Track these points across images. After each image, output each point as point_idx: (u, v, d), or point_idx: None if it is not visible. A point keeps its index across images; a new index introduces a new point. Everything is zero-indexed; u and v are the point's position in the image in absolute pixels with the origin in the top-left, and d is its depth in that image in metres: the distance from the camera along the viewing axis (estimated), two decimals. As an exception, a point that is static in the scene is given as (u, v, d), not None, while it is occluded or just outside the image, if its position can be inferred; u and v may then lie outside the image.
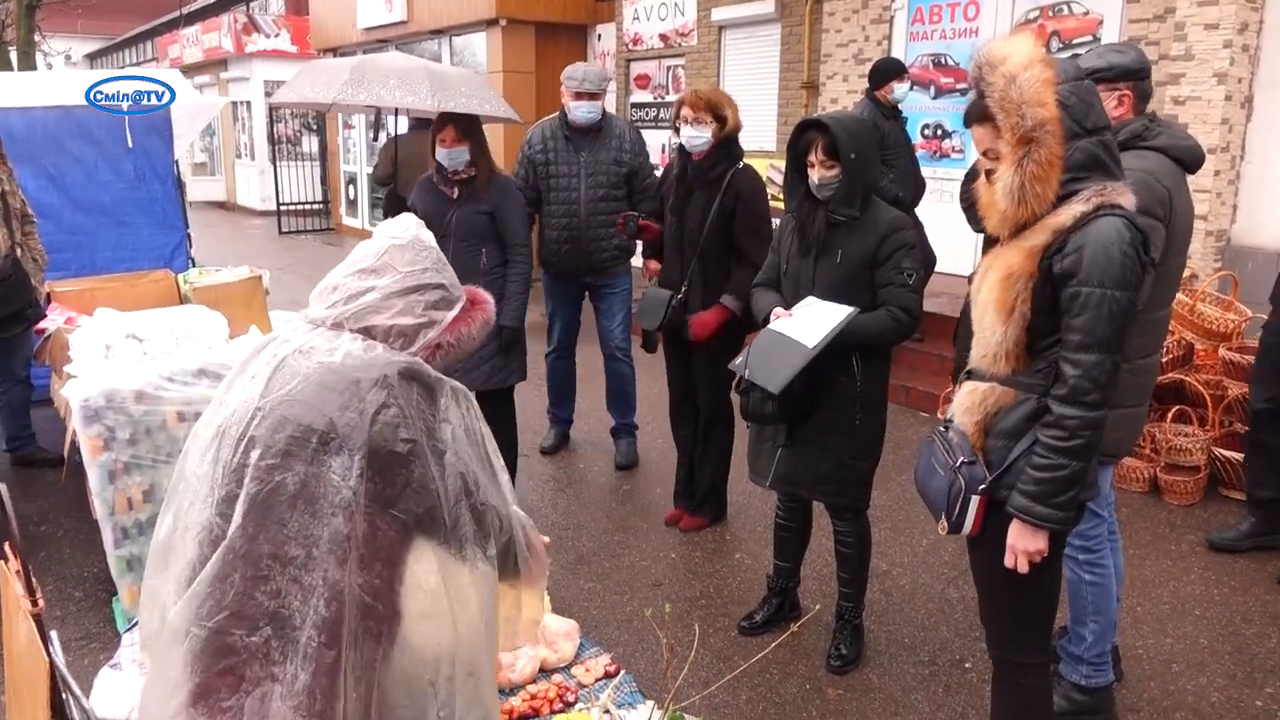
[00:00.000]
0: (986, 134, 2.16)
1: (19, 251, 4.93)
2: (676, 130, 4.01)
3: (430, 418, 1.74)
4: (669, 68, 10.59)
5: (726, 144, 3.95)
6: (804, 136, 3.12)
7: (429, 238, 1.90)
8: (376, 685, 1.73)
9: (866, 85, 6.26)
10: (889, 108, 6.16)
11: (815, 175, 3.09)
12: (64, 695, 2.19)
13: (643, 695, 3.13)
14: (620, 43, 11.13)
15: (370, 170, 15.28)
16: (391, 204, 4.12)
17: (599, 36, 11.82)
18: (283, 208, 16.49)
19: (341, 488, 1.66)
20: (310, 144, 18.25)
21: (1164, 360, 4.91)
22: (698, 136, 3.90)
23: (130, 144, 6.56)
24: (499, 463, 1.92)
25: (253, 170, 19.90)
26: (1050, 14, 7.02)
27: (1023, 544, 2.18)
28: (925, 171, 6.74)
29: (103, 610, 3.75)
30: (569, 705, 3.01)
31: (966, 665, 3.41)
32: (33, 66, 15.51)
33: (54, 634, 2.43)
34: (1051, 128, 2.05)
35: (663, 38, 10.46)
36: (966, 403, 2.26)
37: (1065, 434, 2.09)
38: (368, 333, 1.77)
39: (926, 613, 3.76)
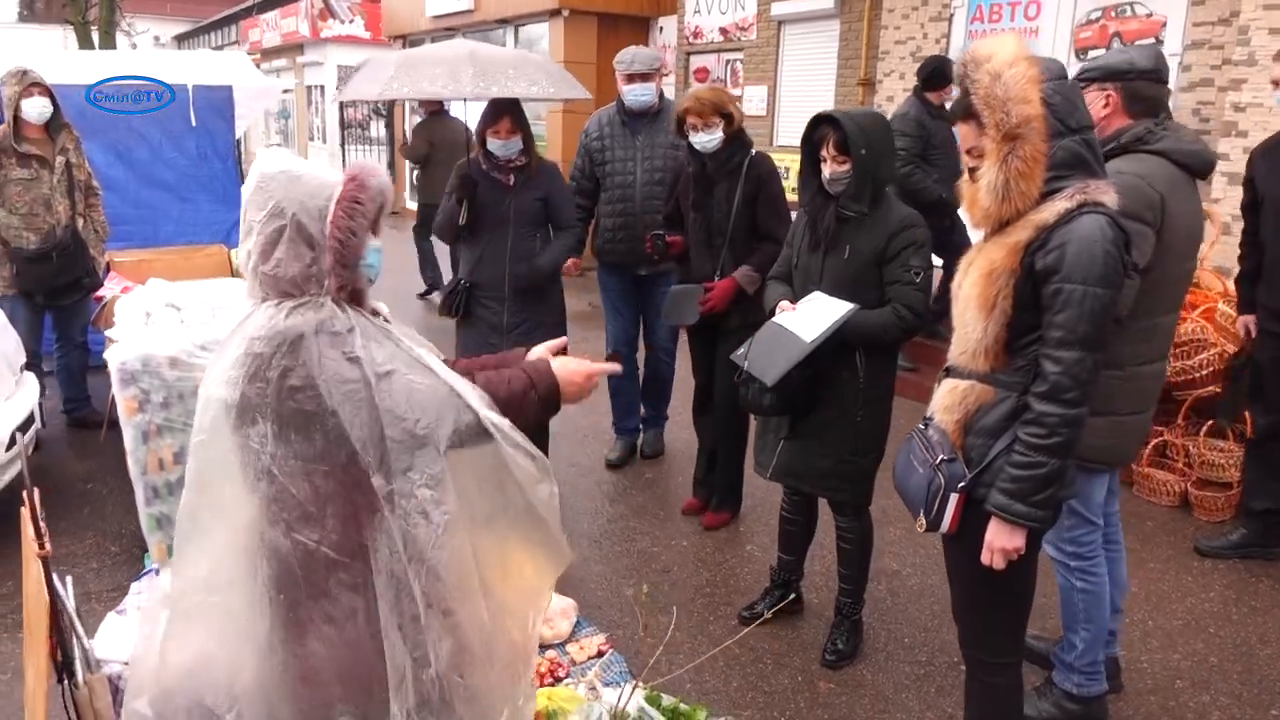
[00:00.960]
0: (971, 131, 2.18)
1: (80, 222, 5.17)
2: (684, 137, 4.03)
3: (342, 365, 1.77)
4: (728, 61, 10.59)
5: (738, 136, 4.01)
6: (817, 131, 3.13)
7: (269, 165, 1.85)
8: (365, 633, 1.83)
9: (915, 83, 6.22)
10: (936, 106, 6.11)
11: (827, 170, 3.11)
12: (68, 635, 2.34)
13: (631, 675, 3.18)
14: (681, 35, 11.15)
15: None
16: (464, 183, 4.17)
17: (660, 29, 11.87)
18: (349, 190, 16.79)
19: (261, 454, 1.77)
20: (377, 129, 18.62)
21: (1204, 373, 4.81)
22: (710, 139, 3.95)
23: (194, 123, 6.84)
24: (448, 376, 1.87)
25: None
26: (1113, 15, 6.86)
27: (1000, 542, 2.19)
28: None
29: (136, 565, 3.94)
30: (558, 680, 3.08)
31: (963, 668, 3.39)
32: (113, 46, 16.10)
33: (69, 578, 2.59)
34: (1036, 125, 2.06)
35: (723, 31, 10.46)
36: (946, 400, 2.27)
37: (1045, 431, 2.10)
38: (282, 294, 1.82)
39: (930, 614, 3.75)
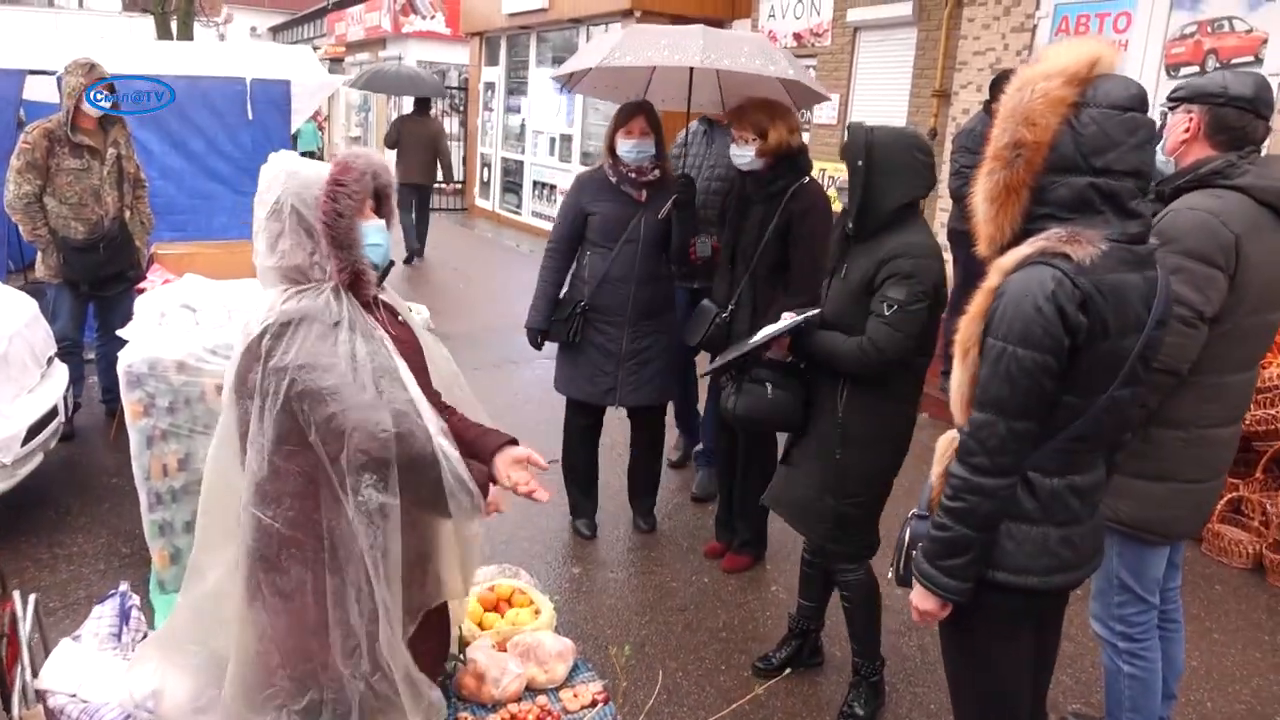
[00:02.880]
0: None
1: (127, 214, 5.16)
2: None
3: (320, 355, 1.88)
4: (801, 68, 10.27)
5: (788, 157, 3.68)
6: None
7: (273, 166, 1.99)
8: (311, 606, 1.99)
9: (986, 97, 5.87)
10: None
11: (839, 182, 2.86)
12: (10, 665, 2.22)
13: (625, 731, 2.97)
14: (754, 40, 10.87)
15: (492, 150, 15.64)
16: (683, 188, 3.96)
17: (734, 32, 11.59)
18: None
19: (248, 428, 1.93)
20: (451, 125, 18.70)
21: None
22: (742, 155, 3.67)
23: (250, 116, 6.85)
24: (415, 395, 1.99)
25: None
26: (1209, 30, 6.39)
27: (916, 600, 2.04)
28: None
29: (142, 570, 3.86)
30: (546, 730, 2.88)
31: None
32: (190, 36, 16.46)
33: (33, 597, 2.49)
34: (1029, 154, 1.82)
35: (796, 37, 10.16)
36: (939, 450, 2.03)
37: (951, 493, 1.92)
38: (291, 283, 1.96)
39: (964, 677, 3.45)
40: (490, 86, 15.91)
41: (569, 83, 4.44)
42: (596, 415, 4.28)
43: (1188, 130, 2.46)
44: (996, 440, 1.86)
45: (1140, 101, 1.84)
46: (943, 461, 2.02)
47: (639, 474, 4.45)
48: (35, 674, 2.27)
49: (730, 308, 3.81)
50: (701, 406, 5.09)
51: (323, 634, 2.03)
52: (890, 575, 2.17)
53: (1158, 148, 2.44)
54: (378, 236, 2.05)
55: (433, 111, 12.42)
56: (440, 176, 11.77)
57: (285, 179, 1.97)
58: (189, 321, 3.77)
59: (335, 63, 25.59)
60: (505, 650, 3.15)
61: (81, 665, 2.30)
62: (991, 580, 1.97)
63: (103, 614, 2.50)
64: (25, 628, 2.34)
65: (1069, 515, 1.96)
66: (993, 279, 1.90)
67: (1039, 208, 1.87)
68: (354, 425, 1.88)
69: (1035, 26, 7.58)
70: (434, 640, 2.44)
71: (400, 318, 2.29)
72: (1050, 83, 1.81)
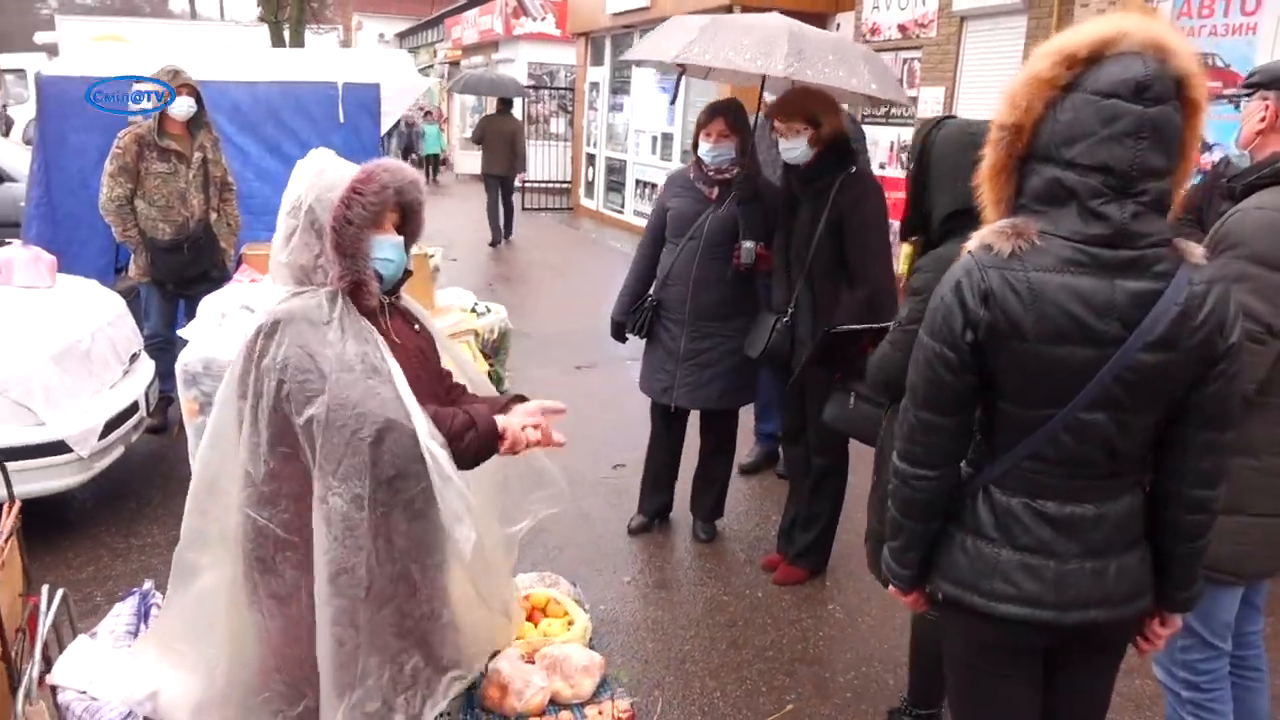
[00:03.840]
0: None
1: (214, 216, 5.33)
2: (776, 144, 3.63)
3: (307, 355, 1.87)
4: (905, 60, 9.91)
5: (833, 149, 3.52)
6: None
7: (304, 164, 2.00)
8: (306, 609, 1.96)
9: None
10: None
11: None
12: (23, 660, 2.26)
13: (648, 753, 2.86)
14: (858, 33, 10.55)
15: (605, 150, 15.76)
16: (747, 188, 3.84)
17: (838, 26, 11.29)
18: (528, 185, 17.15)
19: (243, 428, 1.93)
20: (558, 125, 18.87)
21: None
22: (793, 148, 3.51)
23: (342, 119, 7.00)
24: (404, 394, 1.92)
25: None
26: (1350, 9, 5.83)
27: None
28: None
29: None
30: (565, 748, 2.80)
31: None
32: (301, 44, 17.10)
33: (60, 593, 2.55)
34: (1010, 136, 1.68)
35: (901, 28, 9.80)
36: None
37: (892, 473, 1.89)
38: (296, 282, 1.97)
39: None
40: (595, 86, 15.99)
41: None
42: (669, 414, 4.18)
43: (1264, 119, 2.19)
44: (908, 428, 1.82)
45: (1133, 88, 1.55)
46: None
47: (699, 480, 4.33)
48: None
49: (789, 311, 3.65)
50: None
51: (315, 638, 1.99)
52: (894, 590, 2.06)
53: (1231, 140, 2.18)
54: (391, 252, 2.03)
55: (513, 111, 13.80)
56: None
57: (312, 179, 1.97)
58: (247, 322, 3.84)
59: (454, 66, 26.25)
60: (534, 661, 3.09)
61: (94, 663, 2.34)
62: (945, 594, 1.86)
63: (121, 612, 2.55)
64: (45, 624, 2.39)
65: (1035, 543, 1.74)
66: None
67: (1020, 196, 1.72)
68: (338, 424, 1.85)
69: (1155, 9, 7.07)
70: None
71: (417, 326, 2.25)
72: (1040, 63, 1.63)
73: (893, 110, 10.03)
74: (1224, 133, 5.65)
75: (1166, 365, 1.65)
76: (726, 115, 3.79)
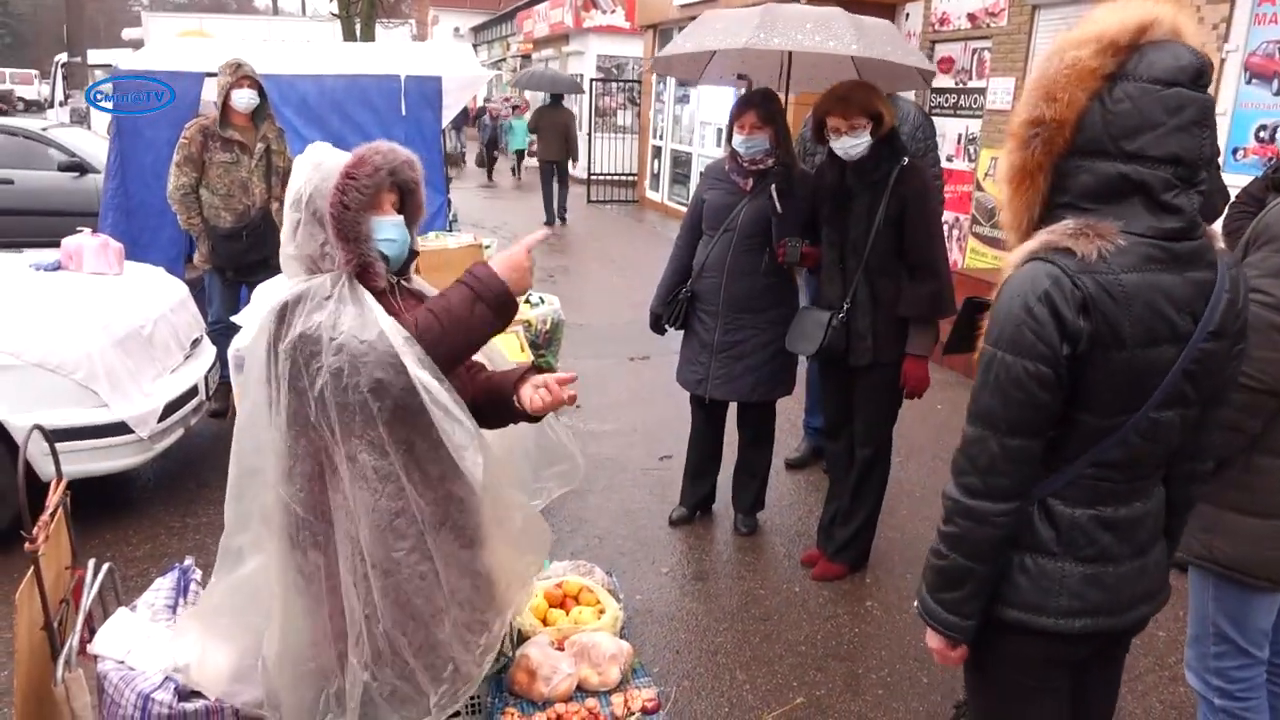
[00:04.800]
0: None
1: (275, 205, 5.47)
2: (824, 141, 3.58)
3: (309, 329, 1.90)
4: (974, 50, 9.68)
5: (888, 140, 3.50)
6: None
7: (304, 157, 2.04)
8: (325, 589, 2.04)
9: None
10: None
11: None
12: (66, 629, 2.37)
13: (671, 742, 2.87)
14: (927, 22, 10.35)
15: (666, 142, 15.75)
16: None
17: (906, 15, 11.07)
18: (594, 177, 17.24)
19: (269, 407, 1.99)
20: (625, 118, 18.90)
21: None
22: (856, 144, 3.46)
23: (404, 112, 7.12)
24: (394, 337, 1.93)
25: (580, 140, 20.97)
26: None
27: (928, 638, 1.83)
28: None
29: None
30: (590, 734, 2.83)
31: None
32: (372, 38, 17.42)
33: (105, 567, 2.65)
34: (1047, 133, 1.57)
35: (970, 18, 9.58)
36: None
37: (945, 515, 1.70)
38: (308, 270, 2.01)
39: None
40: (662, 78, 15.96)
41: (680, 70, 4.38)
42: (708, 407, 4.18)
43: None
44: (987, 459, 1.63)
45: (1193, 75, 1.53)
46: None
47: (739, 473, 4.32)
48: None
49: (846, 306, 3.62)
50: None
51: (339, 620, 2.07)
52: (915, 605, 1.95)
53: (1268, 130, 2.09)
54: (392, 232, 2.05)
55: (565, 103, 15.10)
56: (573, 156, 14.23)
57: (311, 171, 2.01)
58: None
59: (525, 59, 26.50)
60: (563, 648, 3.12)
61: (133, 634, 2.44)
62: (1002, 618, 1.73)
63: (161, 586, 2.64)
64: (89, 596, 2.49)
65: (1097, 552, 1.68)
66: (1003, 275, 1.68)
67: (1059, 195, 1.62)
68: (341, 385, 1.90)
69: (1235, -3, 6.79)
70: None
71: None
72: (1081, 51, 1.54)
73: (961, 102, 9.83)
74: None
75: (1218, 352, 1.65)
76: (759, 107, 3.77)
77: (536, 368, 2.24)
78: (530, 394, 2.10)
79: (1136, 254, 1.55)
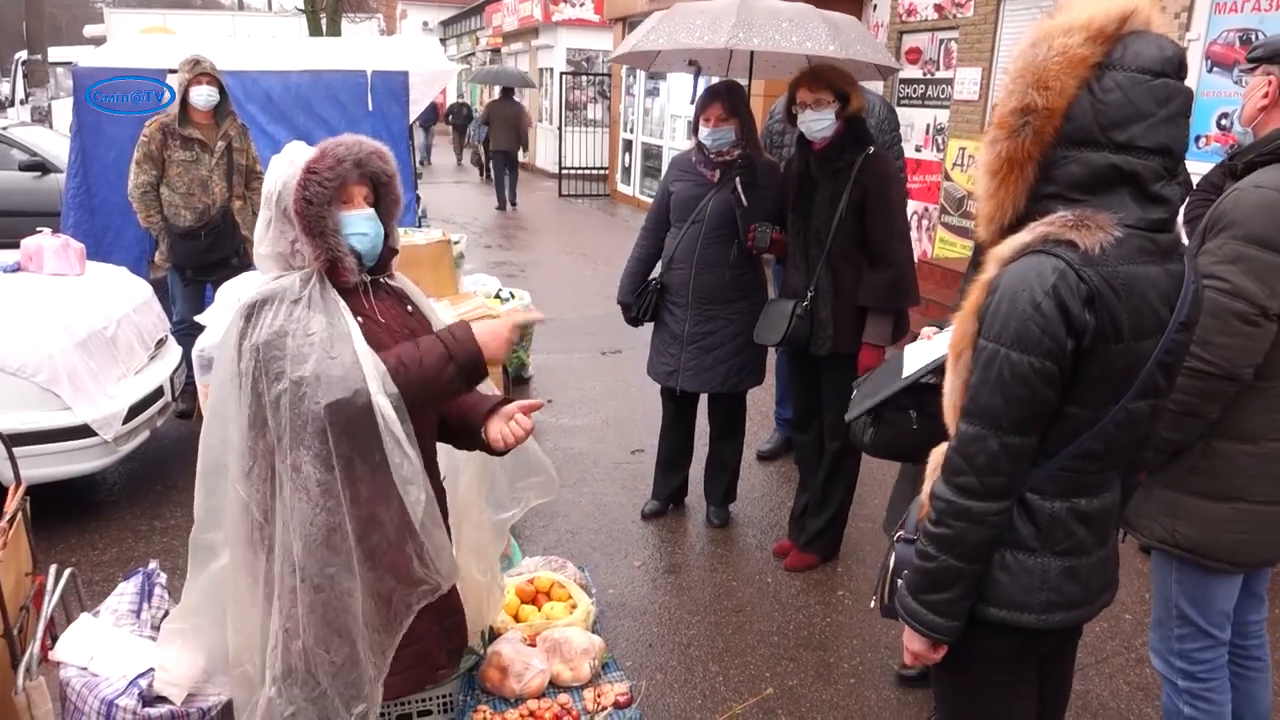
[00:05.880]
0: None
1: (238, 204, 5.40)
2: (793, 120, 3.59)
3: (275, 333, 1.91)
4: (941, 41, 9.74)
5: (852, 128, 3.50)
6: None
7: (278, 156, 2.04)
8: (261, 595, 2.05)
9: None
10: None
11: None
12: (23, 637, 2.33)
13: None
14: (894, 14, 10.39)
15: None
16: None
17: (874, 6, 11.11)
18: (565, 171, 17.20)
19: (232, 402, 1.99)
20: (596, 111, 18.85)
21: None
22: (819, 120, 3.47)
23: (370, 108, 7.06)
24: (361, 353, 1.95)
25: (551, 134, 20.88)
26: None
27: (906, 640, 1.79)
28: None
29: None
30: (562, 730, 2.82)
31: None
32: (338, 33, 17.26)
33: (67, 573, 2.62)
34: (1039, 122, 1.55)
35: (937, 8, 9.63)
36: (930, 464, 1.78)
37: (934, 516, 1.67)
38: (280, 267, 2.02)
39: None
40: (632, 72, 15.94)
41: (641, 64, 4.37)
42: (679, 399, 4.18)
43: (1266, 95, 2.12)
44: (986, 458, 1.60)
45: (1176, 66, 1.55)
46: (933, 478, 1.79)
47: (710, 465, 4.33)
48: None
49: (810, 294, 3.62)
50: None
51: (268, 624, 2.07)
52: (873, 604, 1.95)
53: (1235, 117, 2.11)
54: (363, 226, 2.04)
55: (516, 97, 16.37)
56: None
57: (282, 169, 2.00)
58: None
59: (495, 53, 26.34)
60: (535, 644, 3.11)
61: (96, 640, 2.41)
62: (983, 617, 1.72)
63: (124, 590, 2.61)
64: (50, 603, 2.46)
65: (1073, 544, 1.69)
66: (989, 270, 1.64)
67: (1046, 185, 1.60)
68: (299, 394, 1.90)
69: (1188, -15, 6.87)
70: (435, 629, 2.30)
71: (410, 308, 2.26)
72: (1071, 39, 1.52)
73: (928, 93, 9.88)
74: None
75: (1186, 343, 1.68)
76: (724, 99, 3.76)
77: (505, 400, 2.26)
78: (499, 429, 2.16)
79: (1130, 246, 1.55)
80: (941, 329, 2.67)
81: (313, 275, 1.97)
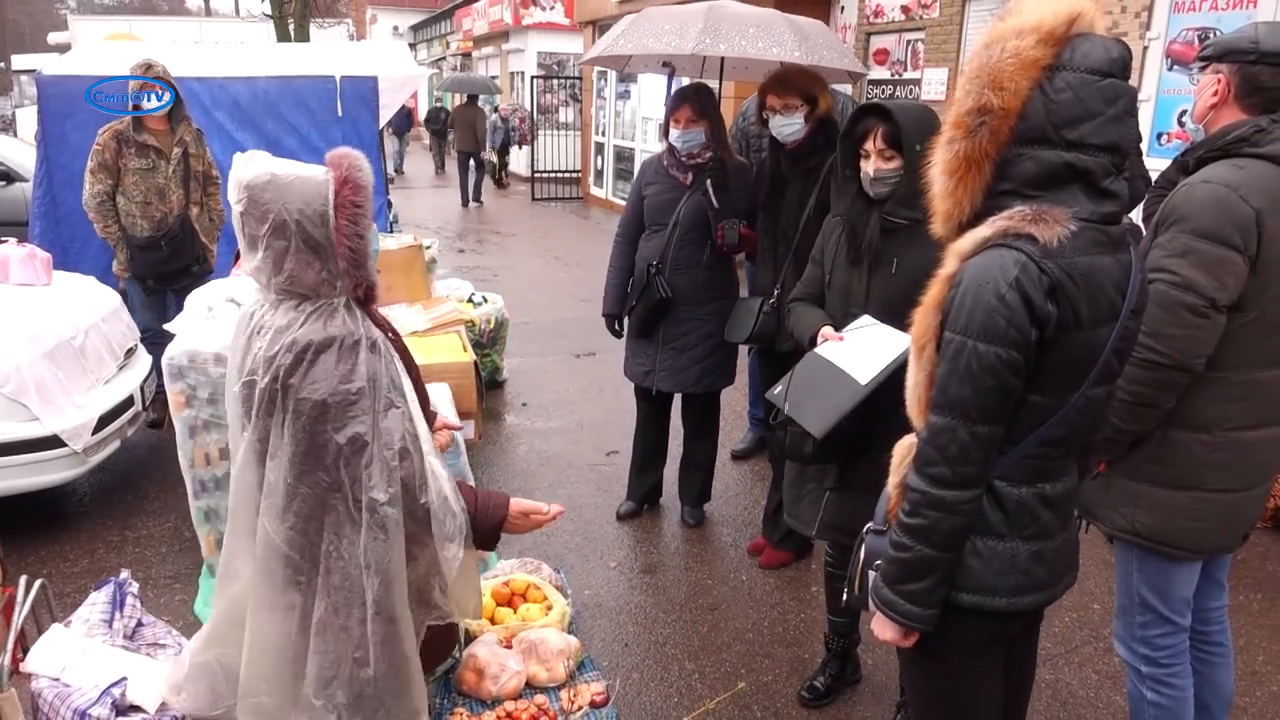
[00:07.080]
0: None
1: (195, 211, 5.32)
2: (764, 123, 3.62)
3: (349, 380, 1.91)
4: (908, 42, 9.84)
5: (822, 129, 3.53)
6: (860, 125, 2.67)
7: (252, 174, 1.90)
8: (296, 629, 2.03)
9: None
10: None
11: (870, 167, 2.61)
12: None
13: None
14: (862, 15, 10.48)
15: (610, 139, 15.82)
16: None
17: (842, 8, 11.19)
18: (538, 175, 17.20)
19: (255, 442, 1.98)
20: (568, 115, 18.86)
21: None
22: (789, 124, 3.51)
23: (340, 113, 7.05)
24: (414, 412, 2.06)
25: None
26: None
27: (876, 628, 1.84)
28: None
29: (198, 554, 4.02)
30: (538, 731, 2.84)
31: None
32: (306, 38, 17.18)
33: (37, 583, 2.60)
34: (995, 121, 1.60)
35: (904, 9, 9.72)
36: (896, 457, 1.82)
37: (908, 507, 1.72)
38: (300, 297, 1.95)
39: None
40: (603, 74, 15.95)
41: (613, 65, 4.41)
42: (653, 399, 4.20)
43: (1216, 93, 2.17)
44: (957, 448, 1.65)
45: (1122, 66, 1.61)
46: (900, 470, 1.81)
47: (685, 465, 4.36)
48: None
49: (777, 292, 3.66)
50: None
51: (300, 662, 2.04)
52: (844, 596, 1.99)
53: (1187, 115, 2.17)
54: (376, 242, 2.09)
55: (479, 103, 17.64)
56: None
57: (278, 192, 1.89)
58: (233, 315, 3.89)
59: (465, 57, 26.28)
60: (510, 646, 3.13)
61: (68, 650, 2.39)
62: (956, 603, 1.76)
63: (96, 600, 2.60)
64: (19, 614, 2.44)
65: (1039, 529, 1.75)
66: (949, 265, 1.69)
67: (1001, 183, 1.65)
68: (378, 441, 1.95)
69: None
70: (435, 649, 2.47)
71: (391, 334, 2.28)
72: (1023, 41, 1.58)
73: (896, 94, 9.96)
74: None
75: (1136, 329, 1.75)
76: (694, 101, 3.79)
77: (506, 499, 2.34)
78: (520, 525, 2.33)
79: (1085, 238, 1.61)
80: (841, 329, 2.71)
81: (354, 307, 1.98)
